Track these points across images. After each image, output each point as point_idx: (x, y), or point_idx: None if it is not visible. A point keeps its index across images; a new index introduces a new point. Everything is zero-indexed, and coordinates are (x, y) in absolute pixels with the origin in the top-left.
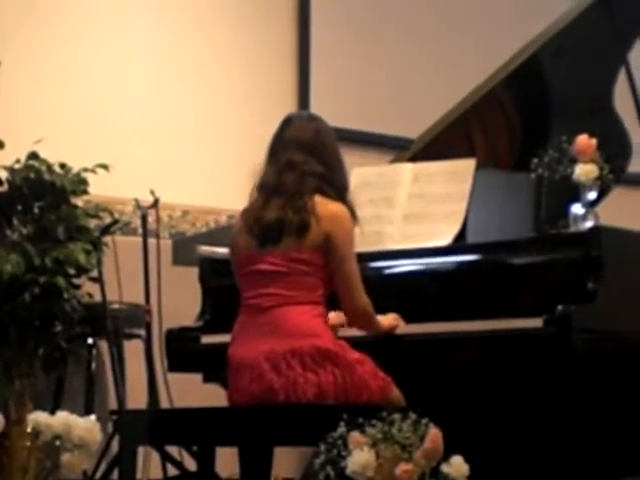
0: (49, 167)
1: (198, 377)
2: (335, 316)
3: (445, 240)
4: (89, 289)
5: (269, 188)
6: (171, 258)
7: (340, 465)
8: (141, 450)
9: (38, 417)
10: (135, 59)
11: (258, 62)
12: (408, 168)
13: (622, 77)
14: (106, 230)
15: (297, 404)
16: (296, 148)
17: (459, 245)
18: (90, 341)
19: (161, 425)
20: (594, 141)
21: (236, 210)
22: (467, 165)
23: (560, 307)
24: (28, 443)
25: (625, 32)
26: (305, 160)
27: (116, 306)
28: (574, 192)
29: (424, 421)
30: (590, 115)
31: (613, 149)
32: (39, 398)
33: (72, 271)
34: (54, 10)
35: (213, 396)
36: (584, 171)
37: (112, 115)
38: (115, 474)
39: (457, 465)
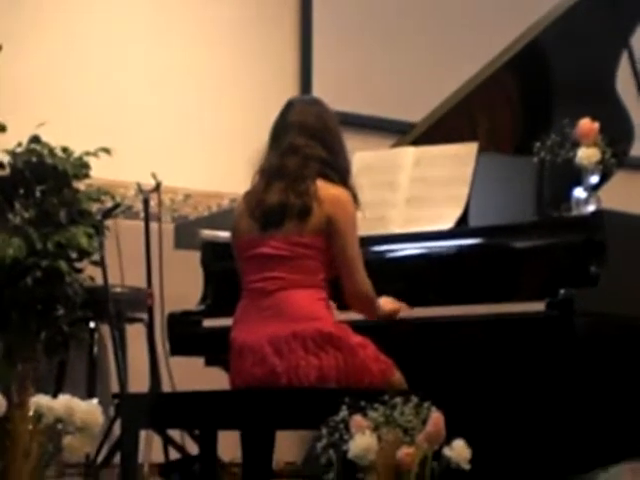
0: (51, 151)
1: (200, 361)
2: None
3: (447, 224)
4: (91, 273)
5: (271, 172)
6: (173, 242)
7: (342, 449)
8: (143, 434)
9: (40, 400)
10: (137, 43)
11: (261, 46)
12: (410, 152)
13: (625, 61)
14: (108, 214)
15: (299, 388)
16: (298, 132)
17: (461, 229)
18: (92, 325)
19: (163, 409)
20: (596, 125)
21: (238, 194)
22: (469, 149)
23: (562, 291)
24: (30, 426)
25: (628, 16)
26: (307, 144)
27: (118, 290)
28: (576, 176)
29: (426, 405)
30: (592, 99)
31: (615, 133)
32: (41, 382)
33: (74, 255)
34: None
35: (215, 380)
36: (586, 155)
37: (114, 99)
38: (117, 457)
39: (459, 449)
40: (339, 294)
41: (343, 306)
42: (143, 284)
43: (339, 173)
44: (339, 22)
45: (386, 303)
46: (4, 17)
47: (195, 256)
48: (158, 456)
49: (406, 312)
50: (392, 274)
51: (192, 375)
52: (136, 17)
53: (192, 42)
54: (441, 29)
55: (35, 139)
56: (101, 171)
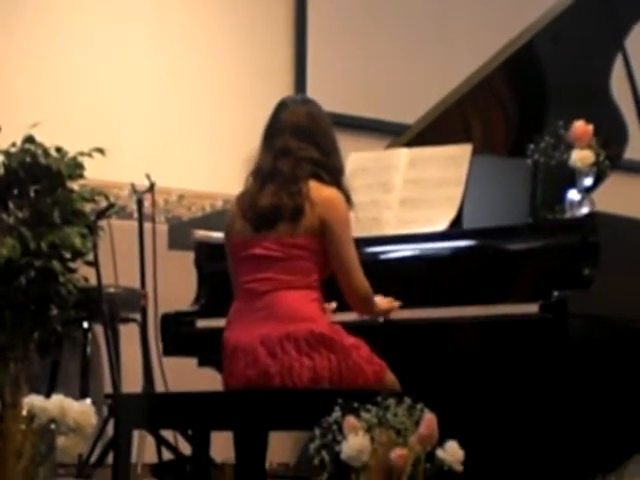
0: (45, 151)
1: (193, 361)
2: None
3: (441, 225)
4: (85, 273)
5: (264, 173)
6: (167, 242)
7: (335, 450)
8: (136, 434)
9: (33, 400)
10: (132, 44)
11: (254, 46)
12: (404, 153)
13: (619, 63)
14: (102, 214)
15: (292, 389)
16: (291, 133)
17: (455, 230)
18: (85, 325)
19: (156, 409)
20: (591, 127)
21: (232, 195)
22: (463, 150)
23: (556, 293)
24: (23, 426)
25: (622, 18)
26: (300, 145)
27: (112, 290)
28: (570, 178)
29: (419, 406)
30: (587, 101)
31: (609, 135)
32: (34, 381)
33: (68, 255)
34: None
35: (208, 380)
36: (580, 157)
37: (108, 99)
38: (110, 458)
39: (452, 450)
40: (338, 294)
41: (343, 307)
42: (137, 284)
43: (332, 174)
44: (334, 23)
45: (381, 302)
46: (3, 21)
47: (189, 257)
48: (151, 456)
49: (397, 311)
50: (386, 275)
51: (185, 376)
52: (131, 18)
53: (185, 43)
54: (438, 30)
55: (29, 139)
56: (95, 171)
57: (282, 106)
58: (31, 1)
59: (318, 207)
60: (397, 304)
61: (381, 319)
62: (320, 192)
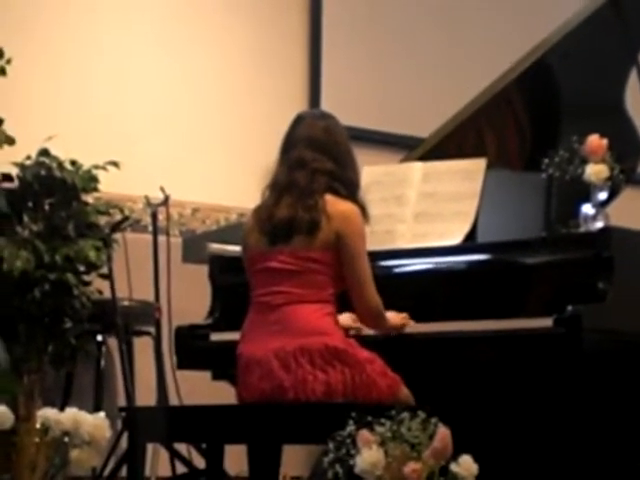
0: (60, 164)
1: (207, 374)
2: (347, 317)
3: (455, 239)
4: (99, 286)
5: (280, 186)
6: (181, 256)
7: (349, 463)
8: (150, 447)
9: (47, 413)
10: (145, 57)
11: (269, 60)
12: (418, 167)
13: (634, 77)
14: (116, 227)
15: (306, 402)
16: (306, 146)
17: (469, 244)
18: (99, 338)
19: (170, 422)
20: (605, 141)
21: (246, 208)
22: (478, 165)
23: (570, 307)
24: (37, 439)
25: (636, 33)
26: (315, 158)
27: (126, 303)
28: (585, 192)
29: (433, 420)
30: (601, 115)
31: (624, 149)
32: (48, 394)
33: (82, 268)
34: (67, 8)
35: (222, 394)
36: (595, 171)
37: (123, 112)
38: (124, 471)
39: (466, 464)
40: (350, 308)
41: None
42: (151, 297)
43: (348, 187)
44: (348, 37)
45: (393, 317)
46: (14, 32)
47: (203, 270)
48: (165, 470)
49: (411, 326)
50: (400, 289)
51: (199, 389)
52: (146, 30)
53: (200, 57)
54: (452, 44)
55: (44, 152)
56: (110, 184)
57: (299, 120)
58: (46, 14)
59: (334, 221)
60: (410, 322)
61: (393, 333)
62: (336, 206)
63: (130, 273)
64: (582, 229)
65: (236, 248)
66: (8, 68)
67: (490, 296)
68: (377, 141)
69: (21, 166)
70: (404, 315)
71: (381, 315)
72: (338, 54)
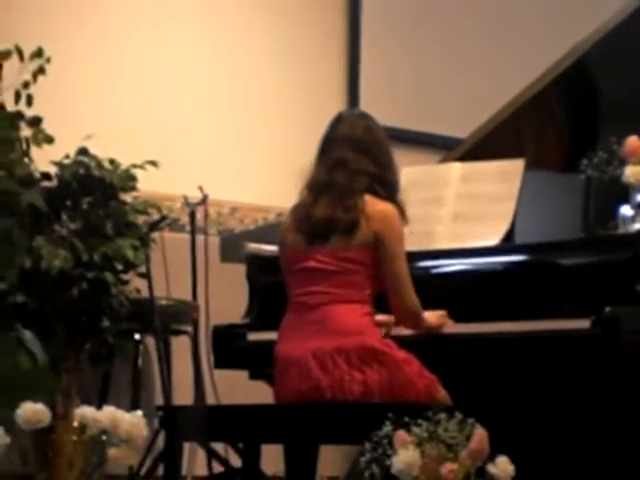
0: (98, 163)
1: (244, 374)
2: (385, 317)
3: (493, 240)
4: (137, 285)
5: (319, 186)
6: (219, 255)
7: (385, 464)
8: (187, 446)
9: (85, 411)
10: (184, 56)
11: (308, 59)
12: (457, 167)
13: None
14: (154, 226)
15: (343, 402)
16: (347, 146)
17: (508, 245)
18: (137, 337)
19: (207, 422)
20: None
21: (284, 208)
22: (516, 165)
23: (608, 308)
24: (74, 437)
25: None
26: (356, 158)
27: (164, 302)
28: (623, 193)
29: (470, 421)
30: None
31: None
32: (86, 393)
33: (120, 267)
34: (104, 8)
35: (259, 393)
36: (634, 172)
37: (161, 112)
38: (160, 470)
39: (503, 465)
40: (387, 309)
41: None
42: (189, 297)
43: (387, 188)
44: (387, 37)
45: (431, 317)
46: (54, 31)
47: (241, 269)
48: (201, 469)
49: (449, 326)
50: (438, 290)
51: (236, 388)
52: (186, 29)
53: (240, 57)
54: (492, 43)
55: (83, 151)
56: (148, 184)
57: (339, 119)
58: (86, 13)
59: (373, 221)
60: (449, 321)
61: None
62: (375, 206)
63: (168, 272)
64: (620, 230)
65: (274, 248)
66: (48, 67)
67: (528, 297)
68: (416, 141)
69: (60, 165)
70: (442, 313)
71: (419, 316)
72: (377, 53)
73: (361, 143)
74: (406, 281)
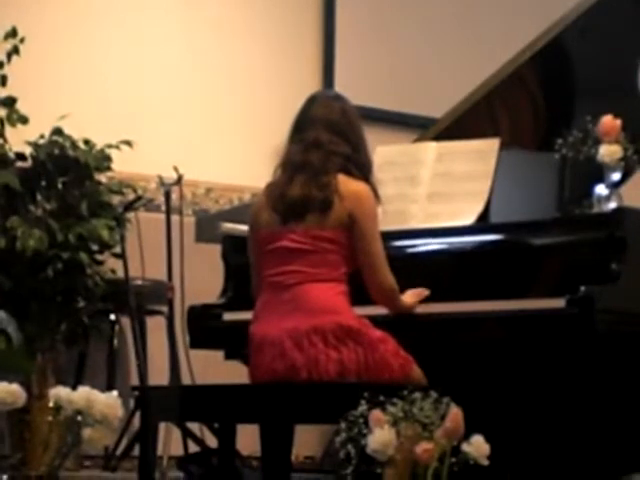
0: (73, 143)
1: (220, 354)
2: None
3: (468, 219)
4: (112, 265)
5: (294, 165)
6: (194, 235)
7: (361, 443)
8: (162, 426)
9: (60, 392)
10: (160, 36)
11: (283, 40)
12: (432, 147)
13: None
14: (129, 206)
15: (319, 382)
16: (322, 127)
17: (482, 225)
18: (112, 317)
19: (182, 402)
20: (619, 122)
21: (259, 188)
22: (491, 145)
23: (583, 288)
24: (50, 418)
25: None
26: (331, 139)
27: (139, 282)
28: (598, 173)
29: (445, 400)
30: (615, 95)
31: (638, 130)
32: (61, 373)
33: (95, 247)
34: None
35: (235, 373)
36: (608, 152)
37: (136, 92)
38: (136, 450)
39: (478, 444)
40: (362, 288)
41: (369, 300)
42: (164, 277)
43: (361, 169)
44: (361, 17)
45: (407, 296)
46: (28, 11)
47: (216, 249)
48: (177, 449)
49: (424, 305)
50: (412, 269)
51: (212, 368)
52: (161, 10)
53: (215, 37)
54: (465, 23)
55: (57, 131)
56: (123, 164)
57: (314, 100)
58: None
59: (346, 201)
60: (426, 292)
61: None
62: (349, 186)
63: (143, 252)
64: (595, 210)
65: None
66: (22, 47)
67: (503, 276)
68: (390, 121)
69: (34, 145)
70: (421, 290)
71: (395, 294)
72: (352, 33)
73: (337, 125)
74: (381, 260)
